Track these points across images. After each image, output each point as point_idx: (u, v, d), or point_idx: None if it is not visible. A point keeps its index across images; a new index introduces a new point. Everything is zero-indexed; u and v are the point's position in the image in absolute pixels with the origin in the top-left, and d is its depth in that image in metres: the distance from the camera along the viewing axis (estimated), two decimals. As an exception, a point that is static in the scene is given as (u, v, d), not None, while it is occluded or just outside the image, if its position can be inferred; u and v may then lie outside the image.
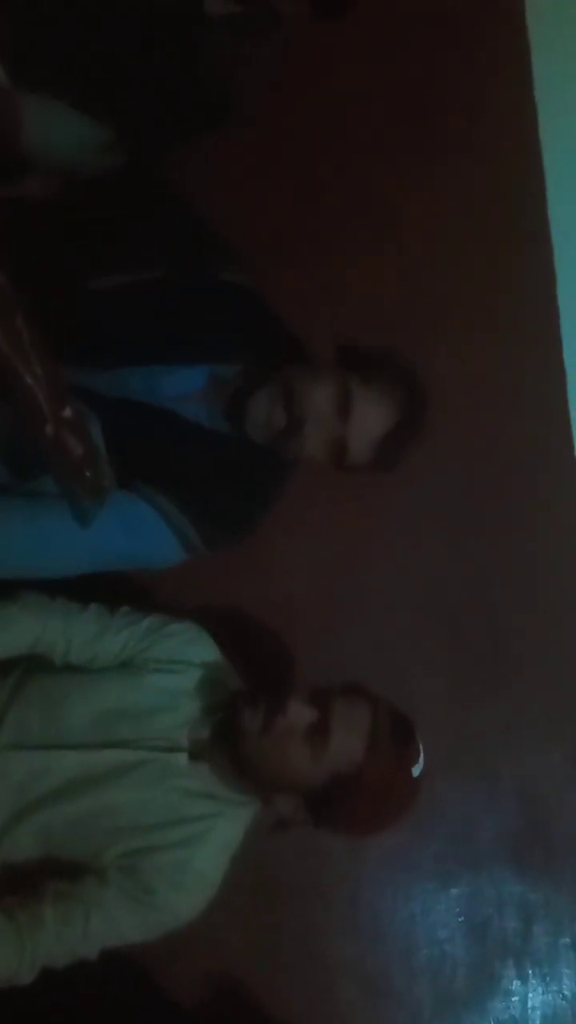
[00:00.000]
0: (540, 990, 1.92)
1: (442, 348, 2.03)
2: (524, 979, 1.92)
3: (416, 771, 1.46)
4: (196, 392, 1.58)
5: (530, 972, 1.92)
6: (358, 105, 2.08)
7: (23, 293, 1.12)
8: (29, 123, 1.49)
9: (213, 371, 1.59)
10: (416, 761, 1.46)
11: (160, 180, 1.67)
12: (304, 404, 1.50)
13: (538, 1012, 1.91)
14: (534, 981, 1.92)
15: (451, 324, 2.06)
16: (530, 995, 1.92)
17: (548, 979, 1.92)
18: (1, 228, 1.40)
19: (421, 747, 1.47)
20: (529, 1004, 1.91)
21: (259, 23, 1.49)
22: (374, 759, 1.40)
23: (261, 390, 1.52)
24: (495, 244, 2.10)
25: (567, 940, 1.94)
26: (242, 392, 1.53)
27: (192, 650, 1.59)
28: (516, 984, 1.91)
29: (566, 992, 1.93)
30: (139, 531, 1.53)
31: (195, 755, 1.50)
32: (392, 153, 2.08)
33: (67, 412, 1.17)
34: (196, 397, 1.58)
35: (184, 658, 1.57)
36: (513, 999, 1.91)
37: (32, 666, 1.57)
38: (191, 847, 1.46)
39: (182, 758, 1.49)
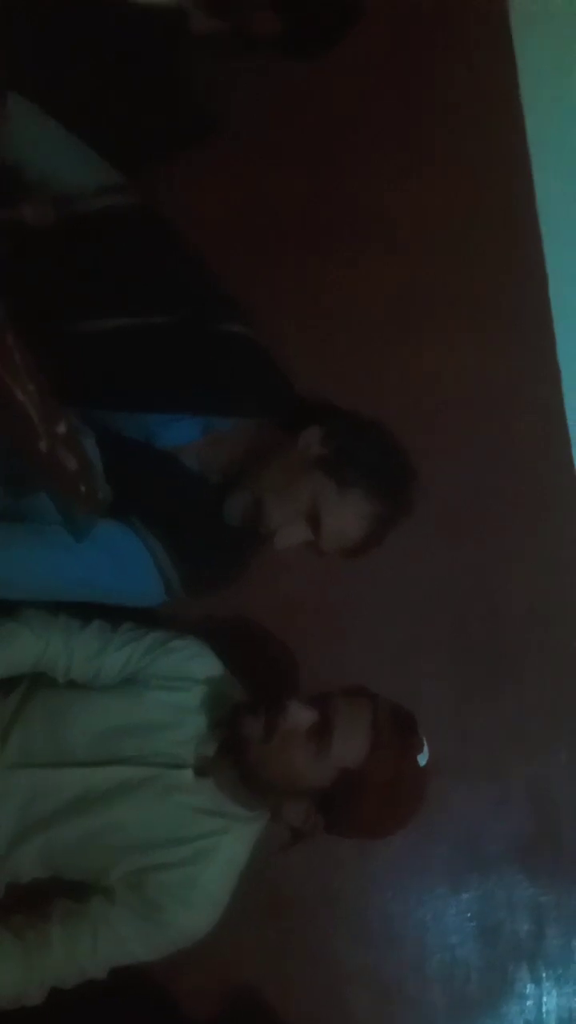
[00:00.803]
0: (555, 993, 1.91)
1: (437, 350, 2.02)
2: (538, 982, 1.91)
3: (422, 760, 1.46)
4: (192, 444, 1.56)
5: (544, 975, 1.91)
6: (348, 110, 2.07)
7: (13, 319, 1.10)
8: (23, 134, 1.47)
9: (209, 423, 1.57)
10: (421, 751, 1.46)
11: (167, 224, 1.65)
12: (272, 518, 1.50)
13: (553, 1015, 1.90)
14: (548, 984, 1.91)
15: (445, 325, 2.05)
16: (544, 998, 1.91)
17: (562, 981, 1.91)
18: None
19: (424, 738, 1.47)
20: (544, 1007, 1.90)
21: (240, 43, 1.47)
22: (379, 754, 1.41)
23: (234, 497, 1.53)
24: (486, 245, 2.09)
25: (580, 941, 1.93)
26: (222, 489, 1.54)
27: (195, 665, 1.58)
28: (530, 987, 1.90)
29: (581, 994, 1.92)
30: (127, 566, 1.52)
31: (200, 771, 1.49)
32: (383, 155, 2.07)
33: (61, 427, 1.15)
34: (191, 449, 1.56)
35: (187, 674, 1.56)
36: (527, 1002, 1.90)
37: (35, 684, 1.57)
38: (198, 864, 1.45)
39: (187, 775, 1.48)
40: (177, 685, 1.55)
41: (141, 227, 1.59)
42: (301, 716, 1.42)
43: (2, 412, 1.06)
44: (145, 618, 1.63)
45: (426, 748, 1.46)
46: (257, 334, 1.65)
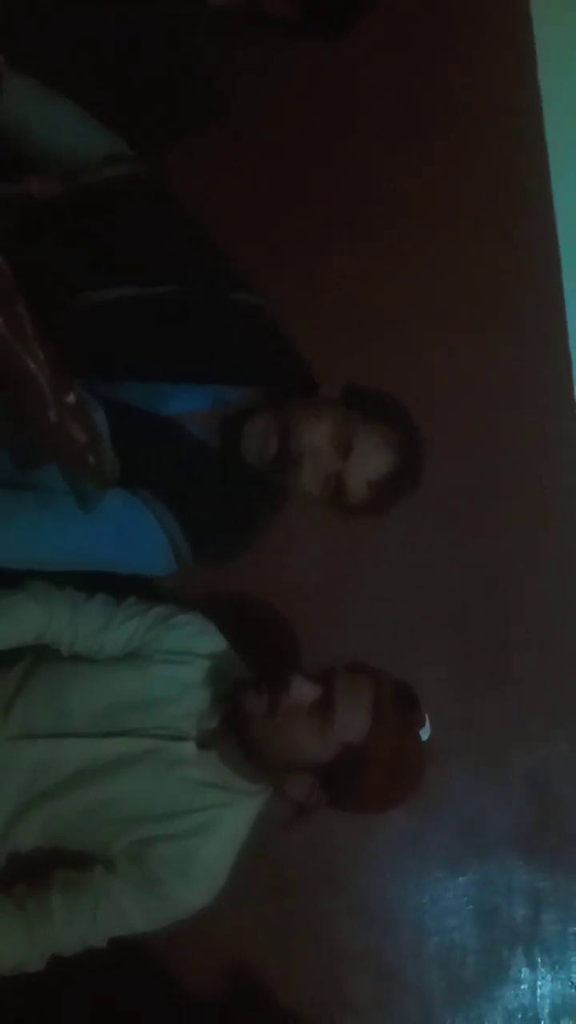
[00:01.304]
0: (549, 978, 1.92)
1: (444, 343, 2.03)
2: (533, 967, 1.92)
3: (424, 735, 1.48)
4: (199, 413, 1.57)
5: (539, 960, 1.92)
6: (358, 98, 2.07)
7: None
8: (28, 108, 1.47)
9: (219, 393, 1.58)
10: (423, 726, 1.48)
11: (172, 194, 1.66)
12: (302, 439, 1.49)
13: (547, 1000, 1.91)
14: (543, 969, 1.92)
15: (454, 320, 2.05)
16: (539, 983, 1.92)
17: (557, 967, 1.92)
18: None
19: (426, 714, 1.49)
20: (538, 992, 1.91)
21: (254, 19, 1.49)
22: (382, 728, 1.42)
23: (259, 415, 1.52)
24: (499, 238, 2.09)
25: (576, 928, 1.94)
26: (242, 414, 1.53)
27: (199, 641, 1.59)
28: (525, 972, 1.91)
29: (575, 980, 1.93)
30: (135, 536, 1.52)
31: (203, 744, 1.50)
32: (394, 146, 2.07)
33: (70, 398, 1.17)
34: (199, 418, 1.57)
35: (191, 649, 1.57)
36: (522, 987, 1.91)
37: (39, 656, 1.58)
38: (199, 837, 1.46)
39: (190, 747, 1.49)
40: (180, 660, 1.55)
41: (146, 197, 1.60)
42: (304, 691, 1.43)
43: (13, 381, 1.08)
44: (149, 593, 1.64)
45: (428, 723, 1.48)
46: (266, 304, 1.65)
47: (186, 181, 1.81)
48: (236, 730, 1.47)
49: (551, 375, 2.08)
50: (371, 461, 1.52)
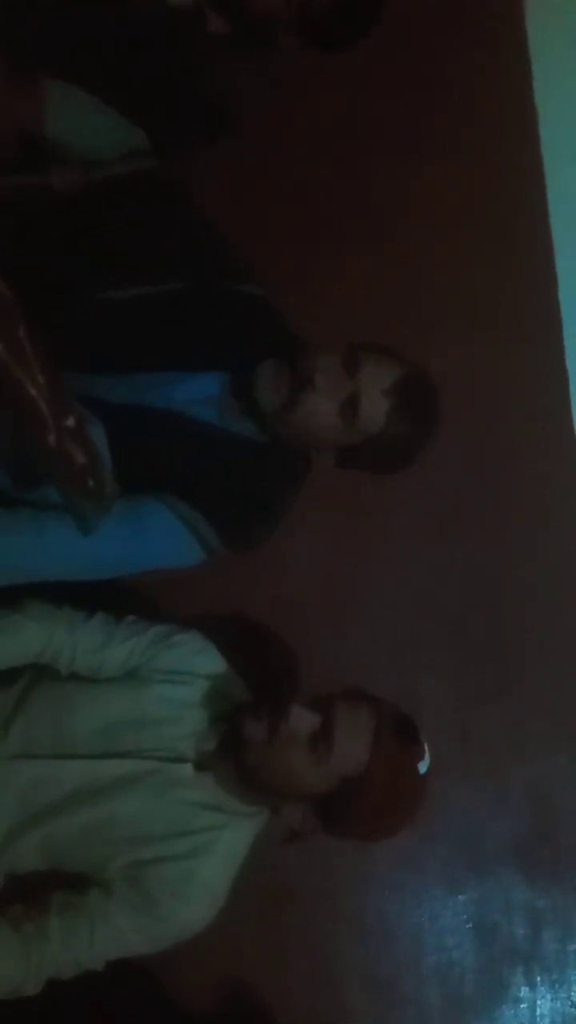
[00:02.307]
0: (549, 997, 1.91)
1: (443, 348, 2.01)
2: (532, 985, 1.91)
3: (423, 768, 1.46)
4: (211, 397, 1.58)
5: (539, 978, 1.91)
6: (358, 106, 2.07)
7: (27, 301, 1.11)
8: (52, 109, 1.48)
9: (228, 378, 1.58)
10: (422, 759, 1.46)
11: (183, 190, 1.66)
12: (308, 362, 1.51)
13: (547, 1019, 1.90)
14: (543, 988, 1.91)
15: (452, 324, 2.05)
16: (539, 1001, 1.91)
17: (557, 986, 1.92)
18: (13, 231, 1.39)
19: (426, 745, 1.47)
20: (538, 1011, 1.91)
21: (254, 41, 1.49)
22: (380, 760, 1.40)
23: (267, 362, 1.53)
24: (496, 243, 2.09)
25: (576, 946, 1.94)
26: (252, 364, 1.54)
27: (198, 661, 1.58)
28: (525, 991, 1.91)
29: (575, 999, 1.92)
30: (159, 540, 1.53)
31: (201, 766, 1.49)
32: (392, 153, 2.06)
33: (70, 421, 1.16)
34: (211, 401, 1.58)
35: (190, 669, 1.56)
36: (522, 1006, 1.91)
37: (38, 675, 1.57)
38: (196, 858, 1.46)
39: (187, 769, 1.49)
40: (179, 679, 1.54)
41: (160, 193, 1.64)
42: (303, 721, 1.41)
43: (12, 405, 1.06)
44: (148, 612, 1.63)
45: (427, 755, 1.46)
46: (271, 295, 1.69)
47: (187, 183, 1.80)
48: (233, 755, 1.46)
49: (550, 380, 2.07)
50: (382, 369, 1.52)
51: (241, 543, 1.59)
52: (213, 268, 1.62)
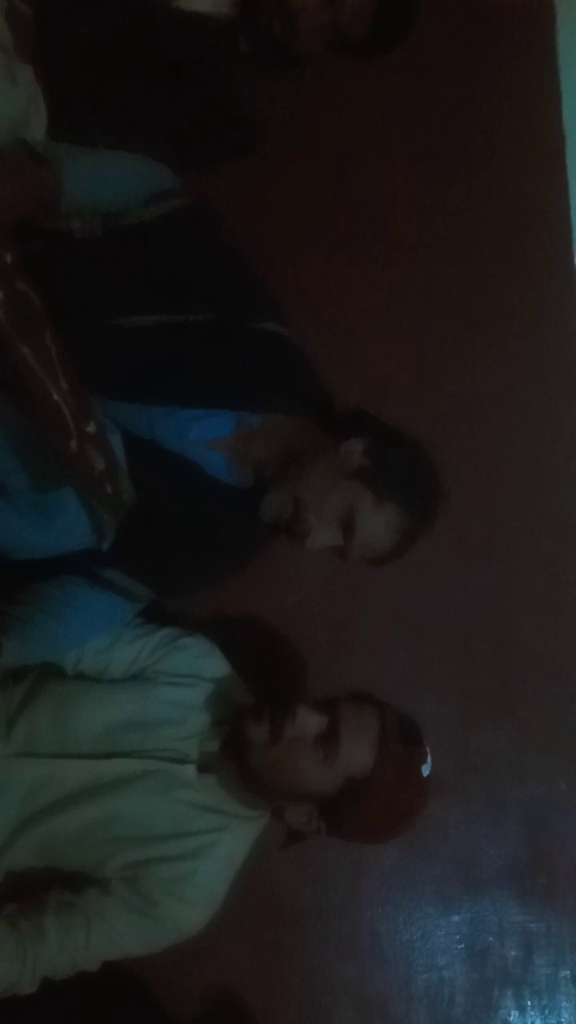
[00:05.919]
0: (539, 1022, 1.90)
1: (460, 367, 2.03)
2: (523, 1009, 1.90)
3: (426, 771, 1.48)
4: (223, 440, 1.58)
5: (529, 1003, 1.90)
6: (382, 125, 2.07)
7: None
8: (68, 181, 1.48)
9: (241, 419, 1.58)
10: (425, 761, 1.48)
11: (215, 221, 1.67)
12: (309, 521, 1.52)
13: (536, 1044, 1.90)
14: (532, 1012, 1.90)
15: (468, 338, 2.05)
16: (528, 1026, 1.91)
17: (547, 1011, 1.91)
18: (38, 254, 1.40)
19: (428, 748, 1.49)
20: (527, 1035, 1.90)
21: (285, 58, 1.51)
22: (385, 762, 1.42)
23: (273, 495, 1.54)
24: (516, 258, 2.08)
25: (567, 972, 1.92)
26: (258, 488, 1.55)
27: (203, 664, 1.60)
28: (514, 1014, 1.90)
29: (565, 1024, 1.92)
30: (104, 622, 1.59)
31: (203, 768, 1.51)
32: (412, 165, 2.07)
33: (91, 427, 1.17)
34: (221, 444, 1.58)
35: (195, 672, 1.58)
36: (511, 1029, 1.90)
37: (44, 674, 1.58)
38: (195, 860, 1.47)
39: (190, 770, 1.50)
40: (184, 682, 1.56)
41: (188, 228, 1.62)
42: (310, 722, 1.43)
43: (36, 410, 1.08)
44: (156, 614, 1.65)
45: (430, 758, 1.48)
46: (292, 334, 1.68)
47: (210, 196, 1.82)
48: (236, 757, 1.47)
49: (564, 402, 2.08)
50: (373, 542, 1.54)
51: (174, 591, 1.64)
52: (237, 303, 1.62)
